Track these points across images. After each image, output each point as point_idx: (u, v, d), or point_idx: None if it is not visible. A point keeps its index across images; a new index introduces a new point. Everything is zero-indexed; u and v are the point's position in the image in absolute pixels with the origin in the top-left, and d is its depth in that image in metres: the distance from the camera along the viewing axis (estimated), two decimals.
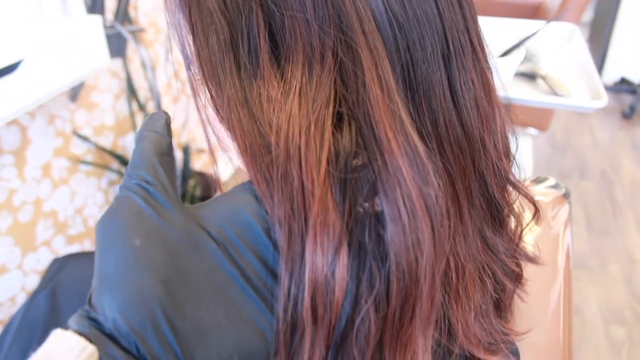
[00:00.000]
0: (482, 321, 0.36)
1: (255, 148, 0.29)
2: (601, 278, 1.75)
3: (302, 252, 0.27)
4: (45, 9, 0.98)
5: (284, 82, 0.30)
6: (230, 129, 0.31)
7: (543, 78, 0.99)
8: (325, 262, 0.26)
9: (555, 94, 0.96)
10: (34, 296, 0.80)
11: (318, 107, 0.29)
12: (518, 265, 0.40)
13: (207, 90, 0.33)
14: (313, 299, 0.26)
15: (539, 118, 1.78)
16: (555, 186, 0.68)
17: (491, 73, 0.36)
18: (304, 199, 0.27)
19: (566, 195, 0.67)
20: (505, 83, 1.03)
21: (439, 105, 0.31)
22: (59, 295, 0.79)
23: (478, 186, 0.35)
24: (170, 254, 0.28)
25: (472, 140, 0.33)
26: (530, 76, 1.03)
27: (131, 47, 1.53)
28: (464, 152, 0.33)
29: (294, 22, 0.30)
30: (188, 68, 0.36)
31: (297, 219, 0.27)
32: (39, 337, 0.76)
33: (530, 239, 0.61)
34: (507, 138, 0.38)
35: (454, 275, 0.34)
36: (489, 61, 0.36)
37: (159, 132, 0.33)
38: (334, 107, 0.30)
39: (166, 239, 0.29)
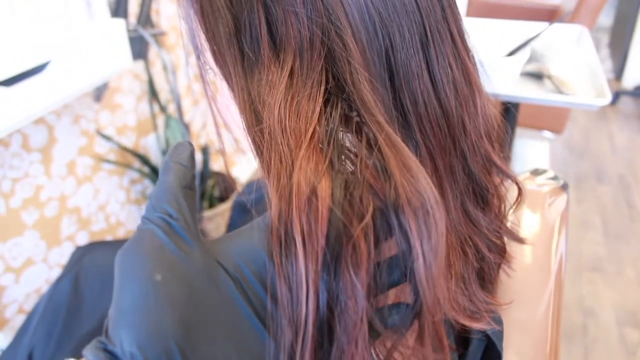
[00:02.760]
0: (464, 289, 0.39)
1: (250, 123, 0.33)
2: (616, 282, 1.74)
3: (289, 189, 0.29)
4: (71, 13, 1.04)
5: (280, 67, 0.34)
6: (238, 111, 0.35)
7: (549, 77, 1.01)
8: (309, 186, 0.28)
9: (561, 92, 0.98)
10: (58, 281, 0.84)
11: (309, 87, 0.33)
12: (501, 240, 0.42)
13: (218, 75, 0.37)
14: (300, 219, 0.28)
15: (554, 121, 1.79)
16: (554, 178, 0.71)
17: (472, 60, 0.39)
18: (291, 151, 0.30)
19: (564, 187, 0.70)
20: (511, 81, 1.05)
21: (418, 87, 0.34)
22: (82, 281, 0.83)
23: (459, 163, 0.38)
24: (189, 290, 0.29)
25: (451, 119, 0.36)
26: (537, 76, 1.06)
27: (153, 51, 1.59)
28: (443, 131, 0.36)
29: (285, 14, 0.33)
30: (198, 58, 0.40)
31: (285, 166, 0.30)
32: (62, 319, 0.80)
33: (524, 223, 0.63)
34: (489, 121, 0.40)
35: None
36: (469, 49, 0.39)
37: (183, 165, 0.34)
38: (326, 87, 0.33)
39: (186, 275, 0.30)
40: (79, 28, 1.05)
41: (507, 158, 1.33)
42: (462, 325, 0.40)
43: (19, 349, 0.81)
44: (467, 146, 0.38)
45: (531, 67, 1.05)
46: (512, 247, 0.58)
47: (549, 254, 0.60)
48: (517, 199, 0.45)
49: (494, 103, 0.42)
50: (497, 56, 1.00)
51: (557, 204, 0.67)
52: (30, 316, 0.85)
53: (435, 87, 0.35)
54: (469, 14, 2.22)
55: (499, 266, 0.44)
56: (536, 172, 0.71)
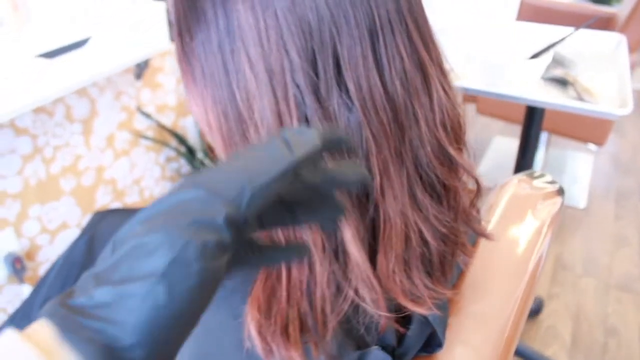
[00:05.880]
0: (405, 270, 0.40)
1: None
2: None
3: None
4: None
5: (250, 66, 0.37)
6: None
7: (573, 84, 0.99)
8: None
9: (582, 99, 0.96)
10: (76, 241, 0.91)
11: (283, 90, 0.36)
12: (452, 231, 0.43)
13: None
14: None
15: (595, 132, 1.73)
16: (551, 182, 0.70)
17: (431, 53, 0.40)
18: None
19: (559, 192, 0.69)
20: (532, 84, 1.03)
21: (362, 72, 0.36)
22: (96, 243, 0.89)
23: (409, 150, 0.39)
24: None
25: (398, 107, 0.38)
26: (562, 82, 1.03)
27: None
28: (388, 116, 0.37)
29: (244, 4, 0.36)
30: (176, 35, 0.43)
31: None
32: (75, 276, 0.87)
33: (511, 222, 0.64)
34: (449, 113, 0.41)
35: (381, 225, 0.39)
36: (428, 42, 0.40)
37: None
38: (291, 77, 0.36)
39: None
40: (121, 9, 1.12)
41: (530, 159, 1.29)
42: (405, 307, 0.41)
43: (36, 299, 0.88)
44: (417, 135, 0.39)
45: (557, 73, 1.02)
46: (489, 244, 0.59)
47: (529, 254, 0.60)
48: (476, 192, 0.46)
49: (459, 96, 0.43)
50: (518, 59, 0.99)
51: (548, 207, 0.67)
52: (50, 270, 0.92)
53: (381, 74, 0.37)
54: (520, 18, 2.17)
55: (451, 255, 0.45)
56: (532, 175, 0.71)
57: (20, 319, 0.91)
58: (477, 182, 0.45)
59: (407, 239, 0.40)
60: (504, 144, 2.37)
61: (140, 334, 0.21)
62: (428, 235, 0.41)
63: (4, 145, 1.21)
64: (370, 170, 0.38)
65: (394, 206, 0.39)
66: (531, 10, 2.18)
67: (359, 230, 0.38)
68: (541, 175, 0.71)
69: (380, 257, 0.39)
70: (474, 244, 0.54)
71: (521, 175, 0.71)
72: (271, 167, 0.25)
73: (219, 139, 0.40)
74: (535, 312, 1.63)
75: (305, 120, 0.37)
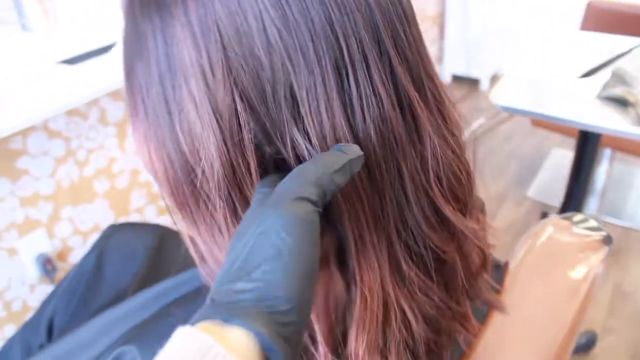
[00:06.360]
0: (383, 356, 0.33)
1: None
2: None
3: None
4: None
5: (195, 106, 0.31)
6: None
7: (633, 104, 0.86)
8: None
9: None
10: (87, 255, 0.88)
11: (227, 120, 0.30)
12: (446, 311, 0.35)
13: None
14: None
15: None
16: (595, 229, 0.60)
17: (422, 90, 0.32)
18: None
19: (606, 241, 0.59)
20: (585, 105, 0.92)
21: (324, 118, 0.29)
22: (105, 258, 0.86)
23: (391, 212, 0.32)
24: None
25: (373, 161, 0.30)
26: (622, 102, 0.90)
27: None
28: (360, 172, 0.30)
29: (184, 31, 0.30)
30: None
31: None
32: (81, 292, 0.84)
33: (538, 281, 0.54)
34: (443, 166, 0.33)
35: (357, 301, 0.32)
36: (421, 78, 0.32)
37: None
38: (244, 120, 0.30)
39: None
40: None
41: (584, 184, 1.15)
42: None
43: (45, 311, 0.87)
44: (402, 194, 0.32)
45: (616, 91, 0.90)
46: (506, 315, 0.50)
47: (564, 317, 0.51)
48: (481, 264, 0.38)
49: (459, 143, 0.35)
50: (573, 74, 0.88)
51: (589, 260, 0.57)
52: (62, 282, 0.90)
53: (350, 119, 0.30)
54: (585, 24, 2.00)
55: (447, 338, 0.37)
56: (572, 219, 0.61)
57: (31, 328, 0.90)
58: (482, 251, 0.37)
59: (385, 320, 0.33)
60: (562, 157, 2.21)
61: (293, 297, 0.25)
62: (412, 318, 0.33)
63: (37, 147, 1.22)
64: (340, 239, 0.31)
65: (371, 282, 0.32)
66: (598, 15, 2.00)
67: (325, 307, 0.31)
68: (584, 220, 0.61)
69: (350, 338, 0.32)
70: (486, 314, 0.45)
71: (559, 219, 0.61)
72: (335, 162, 0.28)
73: (165, 186, 0.35)
74: (587, 346, 1.49)
75: (264, 171, 0.31)
